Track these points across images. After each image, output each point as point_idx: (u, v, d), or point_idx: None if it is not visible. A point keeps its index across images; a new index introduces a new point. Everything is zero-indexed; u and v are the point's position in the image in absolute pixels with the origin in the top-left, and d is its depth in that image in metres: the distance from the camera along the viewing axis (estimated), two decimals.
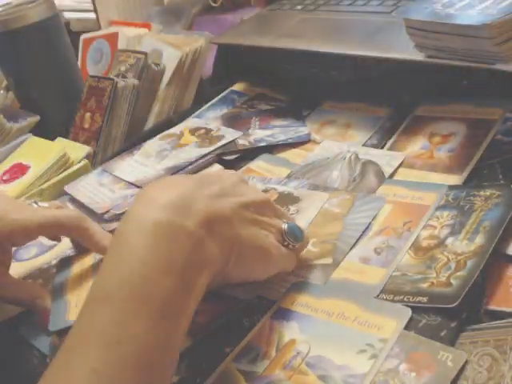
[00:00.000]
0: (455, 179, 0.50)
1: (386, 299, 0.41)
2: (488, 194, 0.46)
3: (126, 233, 0.36)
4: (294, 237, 0.43)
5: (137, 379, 0.31)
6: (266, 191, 0.55)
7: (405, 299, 0.40)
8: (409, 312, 0.38)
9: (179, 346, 0.34)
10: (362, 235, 0.47)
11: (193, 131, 0.68)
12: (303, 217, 0.50)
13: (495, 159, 0.51)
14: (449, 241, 0.43)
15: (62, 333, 0.44)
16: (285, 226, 0.44)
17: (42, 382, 0.32)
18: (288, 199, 0.53)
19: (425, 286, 0.40)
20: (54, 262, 0.54)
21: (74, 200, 0.62)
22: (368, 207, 0.49)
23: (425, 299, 0.39)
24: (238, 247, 0.39)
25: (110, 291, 0.33)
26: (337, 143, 0.60)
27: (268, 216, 0.43)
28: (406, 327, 0.38)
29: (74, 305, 0.46)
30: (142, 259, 0.34)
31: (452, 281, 0.40)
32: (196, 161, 0.62)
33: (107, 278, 0.34)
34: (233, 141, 0.64)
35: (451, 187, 0.49)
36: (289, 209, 0.51)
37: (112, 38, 0.87)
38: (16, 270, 0.54)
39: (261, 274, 0.43)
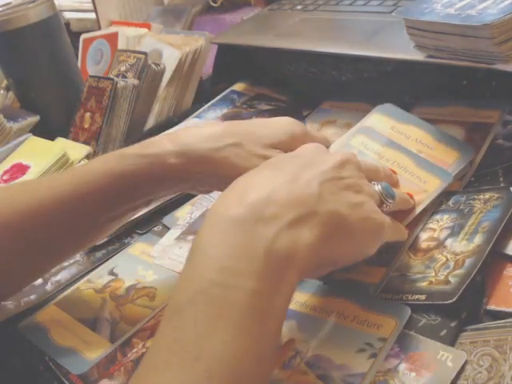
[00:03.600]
0: (456, 185, 0.50)
1: (385, 298, 0.41)
2: (487, 196, 0.46)
3: (201, 233, 0.33)
4: (390, 195, 0.41)
5: None
6: None
7: (403, 298, 0.40)
8: (408, 311, 0.38)
9: (272, 351, 0.31)
10: None
11: None
12: None
13: (497, 165, 0.50)
14: (448, 242, 0.43)
15: None
16: (378, 187, 0.41)
17: None
18: None
19: (423, 284, 0.40)
20: None
21: None
22: None
23: (423, 297, 0.39)
24: (338, 223, 0.35)
25: (183, 306, 0.30)
26: None
27: (356, 176, 0.39)
28: (406, 327, 0.38)
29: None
30: (215, 265, 0.31)
31: (450, 279, 0.40)
32: None
33: (180, 291, 0.31)
34: None
35: (451, 193, 0.48)
36: None
37: (112, 38, 0.87)
38: None
39: (370, 247, 0.39)
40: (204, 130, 0.46)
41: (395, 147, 0.50)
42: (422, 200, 0.46)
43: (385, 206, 0.41)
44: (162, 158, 0.44)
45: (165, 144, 0.44)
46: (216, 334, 0.29)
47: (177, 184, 0.46)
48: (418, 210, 0.46)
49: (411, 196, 0.46)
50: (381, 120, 0.53)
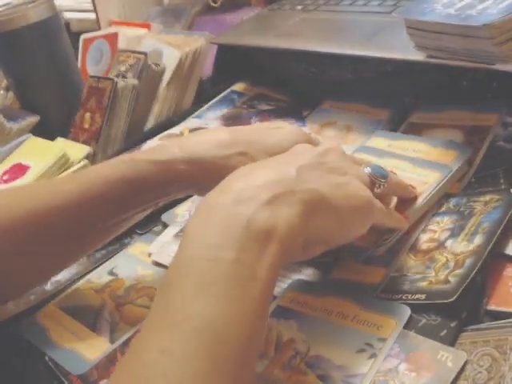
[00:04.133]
0: (455, 187, 0.50)
1: (385, 298, 0.41)
2: (488, 198, 0.46)
3: (190, 220, 0.36)
4: (381, 175, 0.42)
5: (209, 353, 0.30)
6: None
7: (403, 297, 0.40)
8: (408, 311, 0.38)
9: (257, 314, 0.32)
10: None
11: (193, 131, 0.68)
12: None
13: (498, 167, 0.50)
14: (448, 243, 0.43)
15: None
16: (368, 168, 0.42)
17: (117, 370, 0.32)
18: None
19: (423, 284, 0.40)
20: None
21: None
22: None
23: (423, 296, 0.39)
24: (320, 202, 0.37)
25: (170, 279, 0.33)
26: None
27: (341, 161, 0.40)
28: (406, 326, 0.38)
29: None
30: (198, 243, 0.34)
31: (450, 278, 0.40)
32: None
33: (168, 270, 0.34)
34: None
35: (452, 195, 0.49)
36: None
37: (112, 38, 0.87)
38: None
39: (359, 226, 0.40)
40: (212, 137, 0.47)
41: (393, 156, 0.52)
42: (424, 190, 0.46)
43: (377, 186, 0.42)
44: (171, 164, 0.45)
45: (174, 151, 0.46)
46: (201, 298, 0.31)
47: (183, 189, 0.48)
48: (421, 200, 0.46)
49: (413, 187, 0.46)
50: (378, 141, 0.56)
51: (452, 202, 0.48)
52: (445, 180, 0.48)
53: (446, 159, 0.50)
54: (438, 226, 0.46)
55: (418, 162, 0.50)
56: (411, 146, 0.53)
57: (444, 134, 0.56)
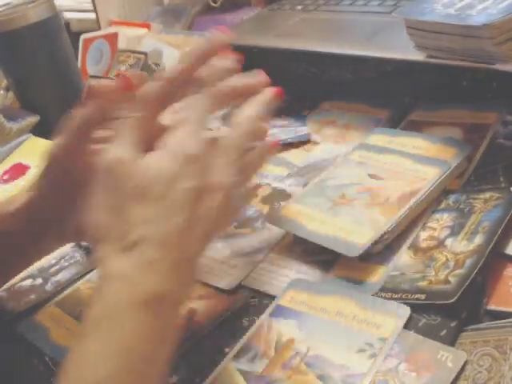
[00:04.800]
0: (455, 184, 0.50)
1: (385, 297, 0.41)
2: (487, 196, 0.46)
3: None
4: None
5: None
6: (259, 186, 0.56)
7: (403, 297, 0.40)
8: (408, 310, 0.38)
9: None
10: None
11: None
12: None
13: (498, 164, 0.50)
14: (448, 241, 0.43)
15: None
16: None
17: None
18: (280, 196, 0.54)
19: (423, 284, 0.40)
20: (53, 261, 0.54)
21: None
22: None
23: (423, 296, 0.39)
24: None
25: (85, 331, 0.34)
26: (336, 145, 0.60)
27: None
28: (406, 326, 0.38)
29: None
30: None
31: (450, 278, 0.40)
32: None
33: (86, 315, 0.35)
34: None
35: (451, 191, 0.49)
36: (280, 204, 0.53)
37: (112, 38, 0.87)
38: None
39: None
40: None
41: (392, 152, 0.53)
42: (423, 186, 0.47)
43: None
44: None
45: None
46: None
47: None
48: (420, 194, 0.46)
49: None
50: (377, 138, 0.56)
51: (451, 199, 0.48)
52: (444, 176, 0.48)
53: (445, 155, 0.50)
54: (438, 224, 0.46)
55: (417, 158, 0.50)
56: (411, 143, 0.54)
57: (443, 132, 0.56)
